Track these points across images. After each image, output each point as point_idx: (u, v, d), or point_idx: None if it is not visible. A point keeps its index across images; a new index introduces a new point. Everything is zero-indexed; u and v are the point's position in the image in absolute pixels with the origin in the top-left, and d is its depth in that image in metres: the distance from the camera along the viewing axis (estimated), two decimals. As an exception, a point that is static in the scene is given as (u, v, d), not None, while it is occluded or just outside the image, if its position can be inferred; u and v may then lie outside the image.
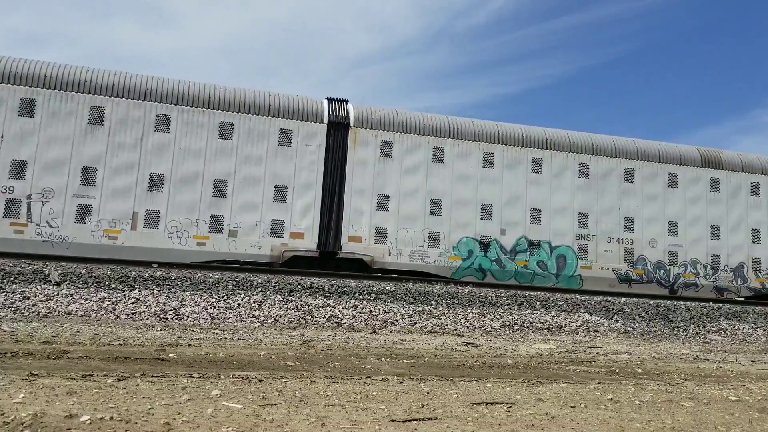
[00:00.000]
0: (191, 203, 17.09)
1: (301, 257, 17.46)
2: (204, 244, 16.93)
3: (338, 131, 18.35)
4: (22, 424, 3.34)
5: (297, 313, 11.58)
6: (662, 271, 20.05)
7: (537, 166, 19.63)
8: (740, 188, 21.28)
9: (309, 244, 17.57)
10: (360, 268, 17.65)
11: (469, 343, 9.97)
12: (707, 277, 20.38)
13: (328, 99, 18.80)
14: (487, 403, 4.83)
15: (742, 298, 20.27)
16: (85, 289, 11.31)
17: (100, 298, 10.94)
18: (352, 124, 18.45)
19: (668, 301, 16.86)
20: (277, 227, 17.50)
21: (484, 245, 18.73)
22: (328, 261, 17.70)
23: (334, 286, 13.51)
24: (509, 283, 18.17)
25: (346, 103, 18.87)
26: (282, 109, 18.08)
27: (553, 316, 13.63)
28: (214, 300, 11.63)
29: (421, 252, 18.29)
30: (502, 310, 13.60)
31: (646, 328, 13.78)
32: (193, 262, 16.01)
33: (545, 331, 12.64)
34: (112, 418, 3.60)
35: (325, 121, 18.29)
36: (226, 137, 17.55)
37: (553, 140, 19.89)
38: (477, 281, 18.01)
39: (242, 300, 11.82)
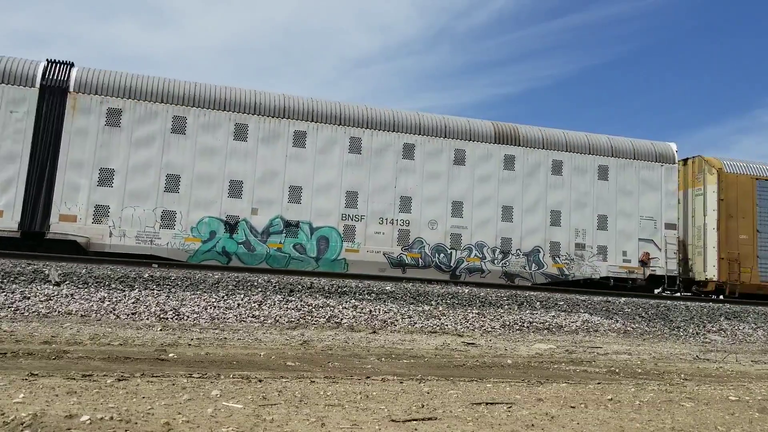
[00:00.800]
0: None
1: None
2: None
3: (54, 97, 16.34)
4: (22, 424, 3.34)
5: (297, 313, 11.58)
6: (442, 254, 18.37)
7: (300, 140, 17.73)
8: (539, 166, 19.45)
9: (9, 223, 15.65)
10: (75, 250, 15.89)
11: (469, 343, 9.97)
12: (495, 261, 18.70)
13: (48, 61, 16.76)
14: (487, 403, 4.83)
15: (554, 284, 18.74)
16: (85, 289, 11.31)
17: (100, 298, 10.94)
18: (72, 89, 16.45)
19: (668, 301, 16.87)
20: None
21: (231, 226, 16.96)
22: (35, 242, 15.95)
23: (334, 286, 13.53)
24: (261, 267, 16.47)
25: (70, 67, 16.82)
26: None
27: (553, 316, 13.64)
28: (214, 300, 11.63)
29: (151, 233, 16.48)
30: (502, 310, 13.61)
31: (646, 328, 13.78)
32: None
33: (545, 331, 12.64)
34: (112, 418, 3.60)
35: (38, 85, 16.24)
36: None
37: (320, 112, 18.02)
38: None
39: (242, 300, 11.83)
